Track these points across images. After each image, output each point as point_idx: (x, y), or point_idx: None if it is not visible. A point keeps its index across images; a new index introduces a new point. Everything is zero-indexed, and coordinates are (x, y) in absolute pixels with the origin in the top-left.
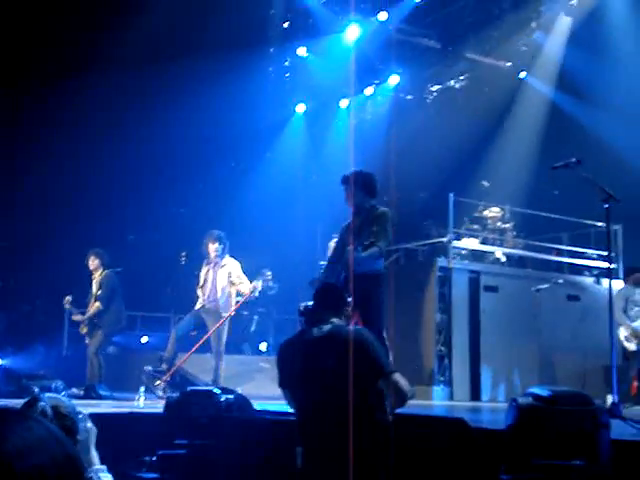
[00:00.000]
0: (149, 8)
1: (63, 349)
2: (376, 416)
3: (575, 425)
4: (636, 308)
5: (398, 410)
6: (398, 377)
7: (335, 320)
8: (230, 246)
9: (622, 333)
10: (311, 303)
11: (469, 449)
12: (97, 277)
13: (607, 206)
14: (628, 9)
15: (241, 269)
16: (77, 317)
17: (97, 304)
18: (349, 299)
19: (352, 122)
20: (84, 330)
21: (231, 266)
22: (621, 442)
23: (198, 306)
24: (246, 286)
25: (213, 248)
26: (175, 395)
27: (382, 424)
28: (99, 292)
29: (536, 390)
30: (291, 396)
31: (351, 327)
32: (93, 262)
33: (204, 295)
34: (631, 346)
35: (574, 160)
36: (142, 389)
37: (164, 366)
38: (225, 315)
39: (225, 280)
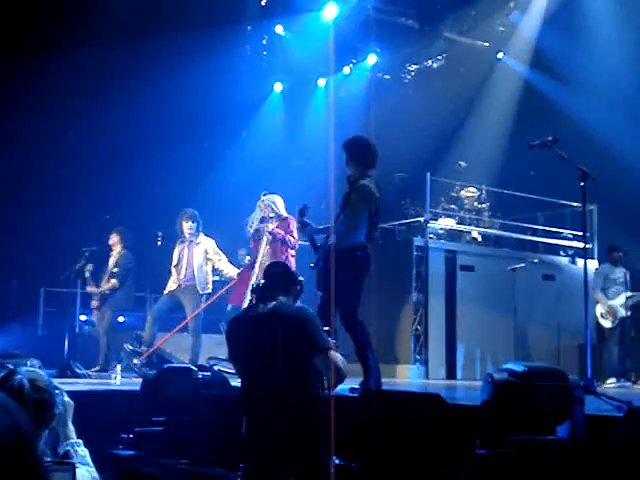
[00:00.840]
0: None
1: (38, 328)
2: (313, 392)
3: (550, 400)
4: (615, 286)
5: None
6: (334, 354)
7: (282, 298)
8: (206, 225)
9: (598, 310)
10: (263, 282)
11: (445, 424)
12: (115, 254)
13: (583, 184)
14: None
15: (216, 246)
16: (92, 289)
17: (113, 281)
18: (300, 278)
19: (330, 101)
20: (95, 304)
21: (206, 243)
22: (595, 417)
23: (173, 286)
24: (225, 263)
25: (187, 226)
26: (152, 373)
27: (320, 400)
28: (115, 269)
29: (511, 366)
30: (237, 370)
31: (294, 305)
32: (114, 239)
33: (179, 274)
34: (607, 323)
35: (550, 139)
36: (118, 367)
37: (143, 348)
38: (203, 293)
39: (201, 258)
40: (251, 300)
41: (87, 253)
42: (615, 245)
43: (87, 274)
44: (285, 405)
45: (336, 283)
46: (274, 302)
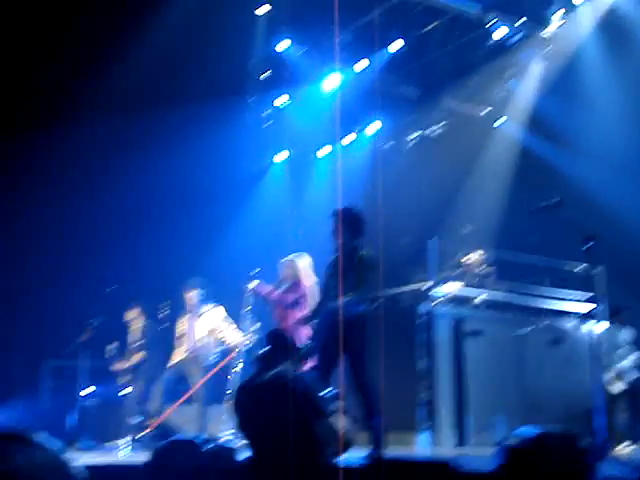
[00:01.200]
0: (128, 57)
1: (42, 402)
2: (320, 459)
3: (564, 465)
4: (621, 349)
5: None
6: (335, 420)
7: (283, 365)
8: (213, 294)
9: (606, 376)
10: (267, 349)
11: None
12: (136, 328)
13: (590, 245)
14: (602, 55)
15: (223, 315)
16: (121, 365)
17: (142, 352)
18: (299, 345)
19: (332, 170)
20: (125, 379)
21: (210, 314)
22: None
23: (177, 358)
24: (229, 332)
25: (189, 296)
26: (158, 445)
27: (326, 468)
28: (142, 340)
29: (524, 431)
30: (245, 438)
31: (294, 373)
32: (134, 312)
33: (183, 346)
34: (613, 389)
35: (555, 201)
36: (124, 440)
37: (149, 421)
38: (205, 365)
39: (204, 328)
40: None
41: (93, 325)
42: (619, 305)
43: (111, 351)
44: (294, 473)
45: (354, 354)
46: (275, 370)
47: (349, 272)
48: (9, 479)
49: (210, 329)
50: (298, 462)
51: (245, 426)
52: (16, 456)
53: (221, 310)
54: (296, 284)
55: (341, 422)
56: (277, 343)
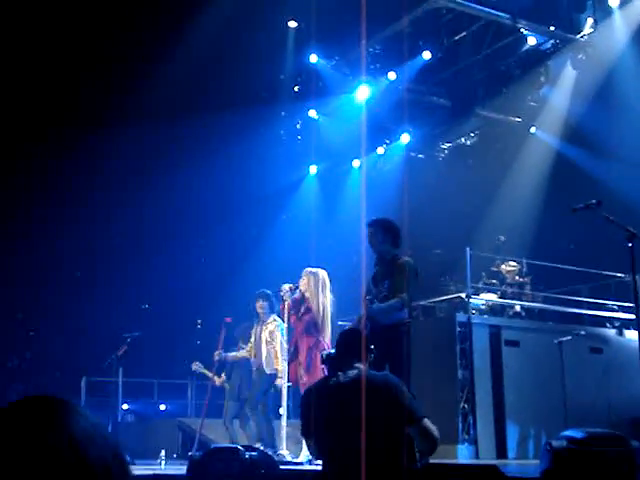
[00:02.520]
0: (163, 72)
1: None
2: (406, 464)
3: (613, 467)
4: None
5: (428, 459)
6: (428, 423)
7: (359, 365)
8: (245, 308)
9: None
10: (333, 351)
11: None
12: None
13: (631, 245)
14: (636, 62)
15: (281, 331)
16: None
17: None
18: (372, 346)
19: (364, 182)
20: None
21: (274, 325)
22: None
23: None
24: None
25: (259, 305)
26: (198, 454)
27: (412, 472)
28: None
29: (570, 432)
30: (315, 445)
31: (379, 373)
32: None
33: (252, 356)
34: None
35: (594, 201)
36: (163, 452)
37: (258, 445)
38: (268, 372)
39: (269, 338)
40: (324, 370)
41: (129, 339)
42: None
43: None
44: (378, 477)
45: (393, 360)
46: (355, 370)
47: (389, 279)
48: (69, 447)
49: (267, 340)
50: (386, 467)
51: (319, 430)
52: (72, 424)
53: (282, 324)
54: (307, 297)
55: (430, 425)
56: (351, 343)
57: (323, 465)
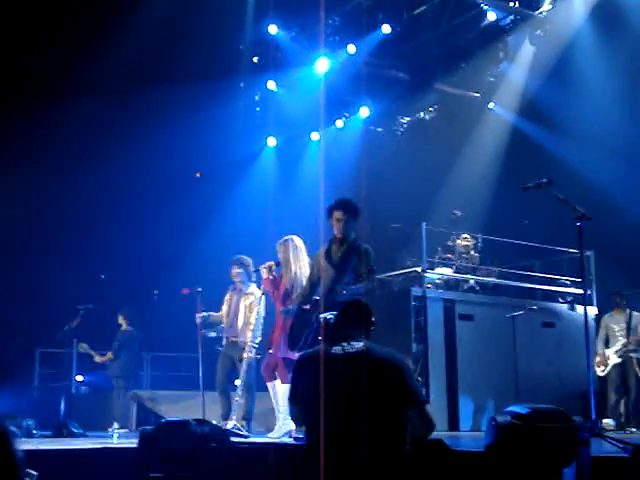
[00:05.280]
0: (119, 40)
1: (34, 389)
2: (398, 445)
3: (555, 442)
4: (615, 333)
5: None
6: (429, 409)
7: (363, 338)
8: (203, 278)
9: (594, 360)
10: (330, 316)
11: (448, 471)
12: (121, 330)
13: (579, 224)
14: (595, 38)
15: (260, 300)
16: (99, 358)
17: (109, 354)
18: (373, 319)
19: (322, 155)
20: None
21: (253, 297)
22: (601, 459)
23: (224, 341)
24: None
25: (234, 273)
26: (149, 428)
27: (403, 454)
28: (114, 343)
29: (515, 408)
30: (302, 413)
31: (386, 348)
32: (120, 319)
33: (226, 325)
34: (598, 372)
35: (545, 180)
36: (115, 425)
37: (223, 422)
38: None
39: (248, 310)
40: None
41: (82, 311)
42: (616, 290)
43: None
44: (371, 458)
45: None
46: (360, 343)
47: (348, 260)
48: None
49: (245, 311)
50: (381, 447)
51: (310, 400)
52: None
53: (259, 292)
54: (287, 267)
55: (430, 411)
56: (356, 314)
57: (306, 436)
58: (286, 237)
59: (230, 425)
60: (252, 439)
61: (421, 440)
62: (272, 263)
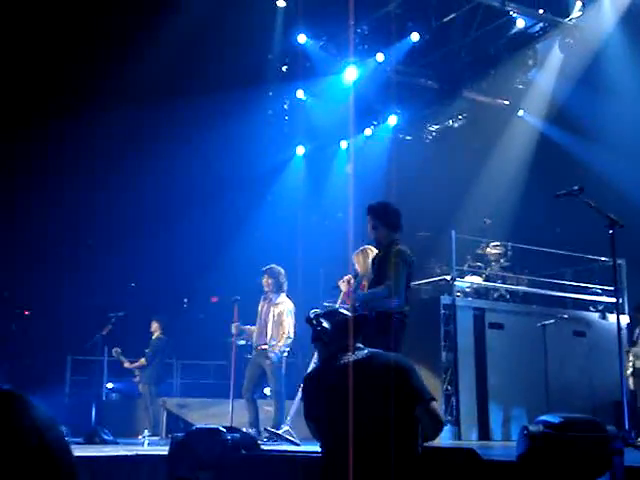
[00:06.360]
0: (150, 54)
1: (65, 397)
2: (410, 447)
3: (588, 452)
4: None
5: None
6: (436, 405)
7: (362, 346)
8: (232, 287)
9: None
10: (319, 311)
11: None
12: (154, 338)
13: (611, 232)
14: (624, 47)
15: (291, 312)
16: (127, 365)
17: (142, 360)
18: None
19: (351, 163)
20: (137, 379)
21: (283, 306)
22: (635, 469)
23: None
24: (284, 330)
25: (265, 282)
26: (180, 435)
27: (415, 455)
28: (147, 350)
29: (547, 417)
30: (317, 429)
31: (390, 353)
32: (154, 326)
33: (255, 332)
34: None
35: (577, 188)
36: (146, 432)
37: (251, 430)
38: (272, 355)
39: (277, 319)
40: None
41: (113, 319)
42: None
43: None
44: (386, 461)
45: (377, 346)
46: (364, 351)
47: (382, 265)
48: (31, 431)
49: (275, 320)
50: (394, 450)
51: (323, 412)
52: (31, 413)
53: (290, 306)
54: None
55: (437, 407)
56: (345, 325)
57: (323, 449)
58: (362, 247)
59: (282, 430)
60: (285, 446)
61: (432, 441)
62: (350, 277)
